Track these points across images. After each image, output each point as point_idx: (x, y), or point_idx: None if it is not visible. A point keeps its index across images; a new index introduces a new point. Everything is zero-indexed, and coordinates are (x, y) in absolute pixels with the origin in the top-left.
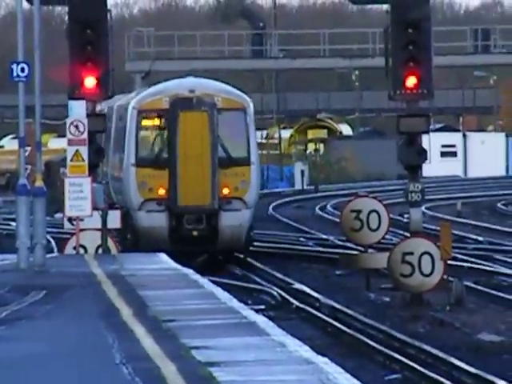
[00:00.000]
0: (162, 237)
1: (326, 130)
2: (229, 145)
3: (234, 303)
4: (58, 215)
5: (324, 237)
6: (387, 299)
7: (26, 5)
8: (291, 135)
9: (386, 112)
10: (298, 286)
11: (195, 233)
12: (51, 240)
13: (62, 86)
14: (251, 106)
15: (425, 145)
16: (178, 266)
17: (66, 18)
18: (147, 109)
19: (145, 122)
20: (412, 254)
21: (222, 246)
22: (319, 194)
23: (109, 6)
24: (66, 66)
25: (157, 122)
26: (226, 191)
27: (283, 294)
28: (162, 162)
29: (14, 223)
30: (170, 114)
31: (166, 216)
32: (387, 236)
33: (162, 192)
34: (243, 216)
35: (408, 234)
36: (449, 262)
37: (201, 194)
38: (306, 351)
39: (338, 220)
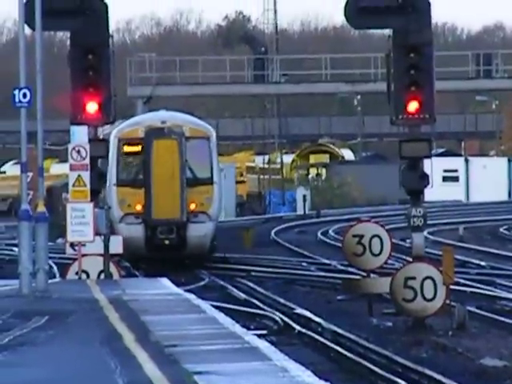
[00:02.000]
0: (139, 245)
1: (327, 155)
2: (195, 167)
3: (237, 328)
4: (60, 240)
5: (326, 262)
6: (390, 324)
7: (27, 30)
8: (293, 160)
9: (387, 137)
10: (300, 310)
11: (167, 241)
12: (53, 265)
13: (63, 111)
14: (214, 134)
15: (427, 169)
16: (180, 291)
17: (68, 43)
18: (126, 137)
19: (124, 149)
20: (414, 278)
21: (190, 252)
22: (321, 219)
23: (110, 32)
24: (67, 93)
25: (134, 148)
26: (192, 206)
27: (285, 318)
28: (139, 182)
29: (16, 248)
30: (145, 142)
31: (143, 227)
32: (389, 261)
33: (139, 207)
34: (207, 227)
35: (410, 259)
36: (451, 286)
37: (171, 208)
38: (308, 376)
39: (340, 245)
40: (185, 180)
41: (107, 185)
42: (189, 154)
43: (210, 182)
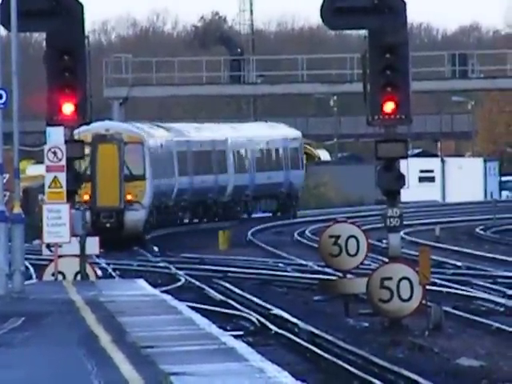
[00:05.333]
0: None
1: (304, 156)
2: (131, 166)
3: (213, 329)
4: (37, 242)
5: (303, 262)
6: (366, 324)
7: (3, 31)
8: None
9: (364, 137)
10: (276, 311)
11: (108, 224)
12: (30, 267)
13: (39, 112)
14: (147, 140)
15: (403, 170)
16: (157, 292)
17: (44, 44)
18: None
19: None
20: (391, 279)
21: (126, 233)
22: (298, 220)
23: (86, 32)
24: (43, 94)
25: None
26: (129, 197)
27: (262, 319)
28: (87, 177)
29: None
30: (92, 145)
31: (89, 213)
32: (366, 261)
33: (86, 197)
34: (141, 213)
35: (387, 260)
36: (427, 287)
37: (112, 198)
38: (285, 377)
39: (316, 245)
40: (123, 176)
41: None
42: (126, 155)
43: (143, 178)
